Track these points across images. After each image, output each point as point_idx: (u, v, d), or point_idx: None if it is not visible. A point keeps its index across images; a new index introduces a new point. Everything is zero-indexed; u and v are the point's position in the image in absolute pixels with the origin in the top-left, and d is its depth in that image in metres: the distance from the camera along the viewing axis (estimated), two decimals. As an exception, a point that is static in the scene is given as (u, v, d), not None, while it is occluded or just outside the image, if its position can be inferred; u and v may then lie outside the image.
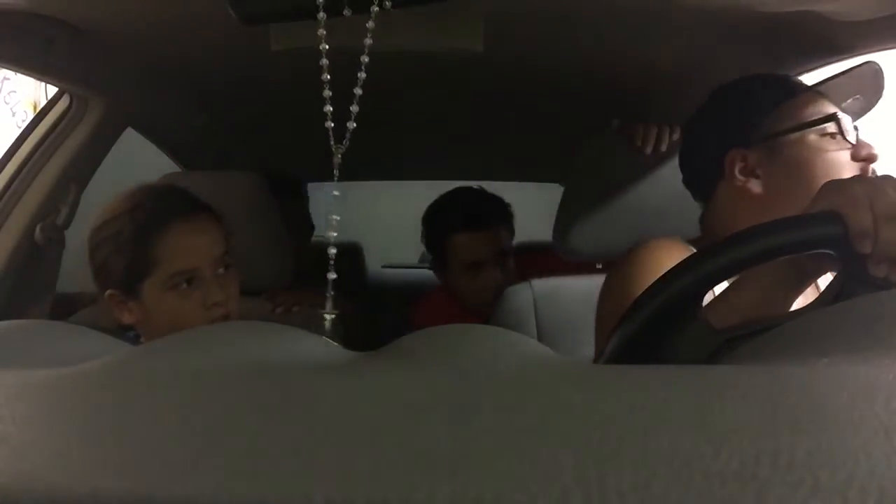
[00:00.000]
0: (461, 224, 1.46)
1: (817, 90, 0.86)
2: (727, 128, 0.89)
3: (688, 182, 0.97)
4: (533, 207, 1.79)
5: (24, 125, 1.27)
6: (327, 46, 0.64)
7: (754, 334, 0.47)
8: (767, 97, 0.86)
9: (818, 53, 1.02)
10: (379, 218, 2.45)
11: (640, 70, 1.18)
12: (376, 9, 0.65)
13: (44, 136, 1.22)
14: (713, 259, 0.58)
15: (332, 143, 0.64)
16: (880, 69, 0.85)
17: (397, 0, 0.67)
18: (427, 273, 1.65)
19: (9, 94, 2.67)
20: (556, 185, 2.03)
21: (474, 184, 1.59)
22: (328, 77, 0.64)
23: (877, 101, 0.92)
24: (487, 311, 1.41)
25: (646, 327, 0.57)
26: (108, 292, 0.92)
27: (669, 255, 0.83)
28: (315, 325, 0.63)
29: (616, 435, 0.21)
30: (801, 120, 0.82)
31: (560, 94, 1.37)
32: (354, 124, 0.64)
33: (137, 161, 1.52)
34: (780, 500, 0.17)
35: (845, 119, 0.80)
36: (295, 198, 1.68)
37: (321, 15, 0.65)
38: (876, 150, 0.80)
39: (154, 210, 0.92)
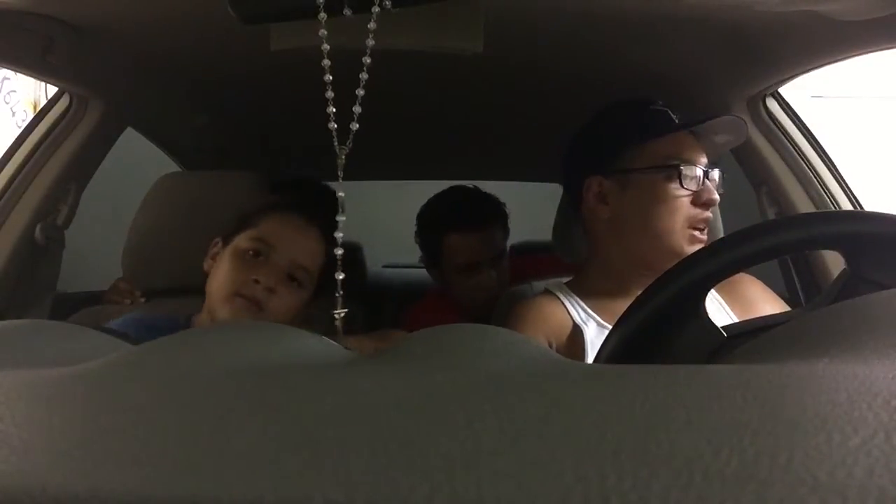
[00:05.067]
0: (456, 225, 1.44)
1: (691, 130, 0.94)
2: (591, 153, 0.98)
3: (566, 194, 1.07)
4: (533, 207, 1.78)
5: (24, 125, 1.27)
6: (328, 46, 0.64)
7: (754, 334, 0.47)
8: (630, 131, 0.94)
9: (818, 53, 1.02)
10: (379, 218, 2.45)
11: (641, 70, 1.17)
12: (377, 9, 0.65)
13: (44, 136, 1.22)
14: (714, 257, 0.58)
15: (335, 144, 0.64)
16: (743, 122, 0.97)
17: (397, 0, 0.67)
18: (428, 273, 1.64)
19: (9, 93, 2.68)
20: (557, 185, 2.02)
21: (469, 183, 1.58)
22: (330, 78, 0.64)
23: (741, 140, 1.04)
24: (482, 312, 1.40)
25: (645, 326, 0.57)
26: (216, 239, 1.03)
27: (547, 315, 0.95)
28: (314, 324, 0.63)
29: (616, 435, 0.21)
30: (652, 161, 0.92)
31: (560, 93, 1.36)
32: (357, 125, 0.64)
33: (137, 161, 1.52)
34: (780, 499, 0.17)
35: (691, 167, 0.90)
36: (326, 208, 1.63)
37: (322, 15, 0.65)
38: (716, 196, 0.91)
39: (290, 198, 1.05)
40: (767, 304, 0.96)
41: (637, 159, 0.92)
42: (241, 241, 0.98)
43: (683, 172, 0.90)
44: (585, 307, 0.96)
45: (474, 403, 0.25)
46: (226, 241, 1.01)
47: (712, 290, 0.94)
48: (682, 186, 0.90)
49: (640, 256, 0.92)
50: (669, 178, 0.90)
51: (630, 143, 0.93)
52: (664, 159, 0.91)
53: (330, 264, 1.00)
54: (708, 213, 0.91)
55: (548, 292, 1.00)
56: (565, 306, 0.96)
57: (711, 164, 0.94)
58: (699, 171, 0.91)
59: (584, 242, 1.08)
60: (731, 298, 0.96)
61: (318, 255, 1.00)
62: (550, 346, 0.93)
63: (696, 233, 0.91)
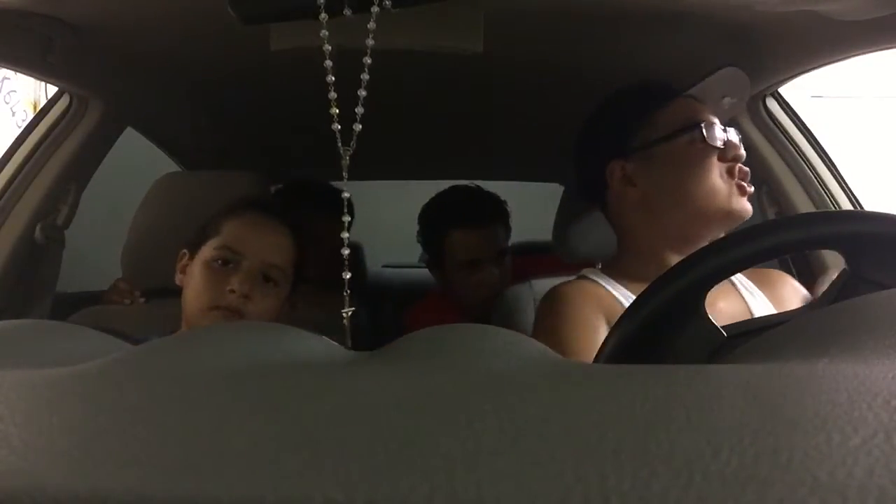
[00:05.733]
0: (458, 222, 1.45)
1: (688, 95, 0.93)
2: (606, 140, 0.96)
3: (580, 192, 1.04)
4: (533, 207, 1.78)
5: (24, 125, 1.27)
6: (328, 46, 0.64)
7: (754, 334, 0.47)
8: (638, 108, 0.92)
9: (818, 53, 1.02)
10: (379, 218, 2.45)
11: (641, 70, 1.17)
12: (377, 9, 0.65)
13: (44, 136, 1.22)
14: (714, 257, 0.58)
15: (339, 145, 0.64)
16: (741, 73, 0.95)
17: (397, 0, 0.67)
18: (428, 273, 1.64)
19: (9, 93, 2.68)
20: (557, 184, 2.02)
21: (471, 182, 1.59)
22: (332, 79, 0.64)
23: (745, 100, 1.02)
24: (483, 310, 1.40)
25: (646, 326, 0.57)
26: (182, 250, 1.00)
27: (586, 302, 0.90)
28: (314, 324, 0.63)
29: (616, 435, 0.21)
30: (670, 129, 0.89)
31: (560, 93, 1.36)
32: (360, 126, 0.64)
33: (137, 161, 1.52)
34: (780, 499, 0.17)
35: (710, 125, 0.88)
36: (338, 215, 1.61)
37: (322, 15, 0.65)
38: (742, 151, 0.88)
39: (253, 198, 1.03)
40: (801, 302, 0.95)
41: (654, 132, 0.90)
42: (208, 251, 0.96)
43: (705, 129, 0.87)
44: (628, 293, 0.92)
45: (474, 403, 0.25)
46: (192, 252, 0.99)
47: (756, 287, 0.94)
48: (707, 143, 0.87)
49: (682, 230, 0.89)
50: (692, 141, 0.88)
51: (641, 117, 0.92)
52: (682, 121, 0.89)
53: (303, 257, 1.01)
54: (744, 167, 0.88)
55: (585, 278, 0.97)
56: (609, 291, 0.92)
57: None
58: (718, 125, 0.89)
59: (588, 241, 1.07)
60: (775, 299, 0.93)
61: (288, 250, 0.99)
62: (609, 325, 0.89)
63: (742, 183, 0.88)
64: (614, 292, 0.92)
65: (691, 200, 0.88)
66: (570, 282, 0.97)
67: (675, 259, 0.88)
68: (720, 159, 0.88)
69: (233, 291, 0.92)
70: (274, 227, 0.99)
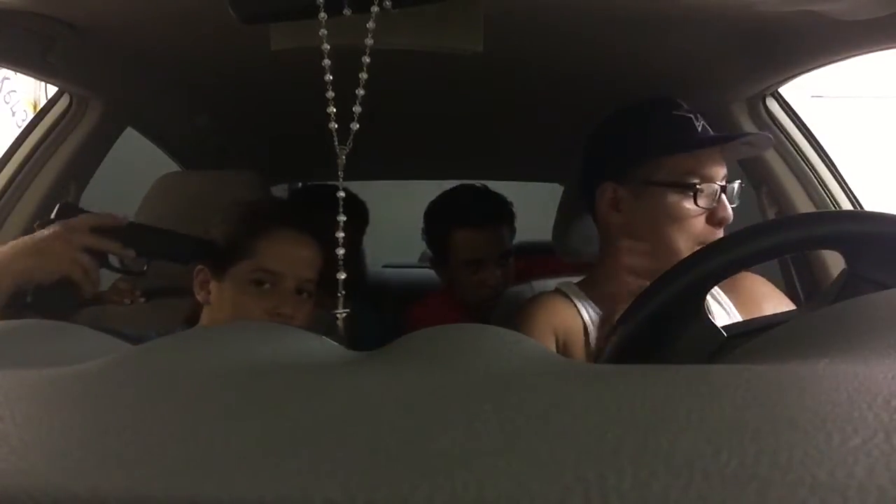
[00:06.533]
0: (463, 221, 1.46)
1: (715, 147, 0.91)
2: (610, 159, 0.96)
3: (565, 193, 1.05)
4: (533, 207, 1.78)
5: (24, 125, 1.27)
6: (328, 46, 0.64)
7: (754, 334, 0.47)
8: (656, 145, 0.90)
9: (818, 53, 1.02)
10: (379, 218, 2.45)
11: (640, 70, 1.17)
12: (376, 9, 0.65)
13: (44, 136, 1.22)
14: (714, 257, 0.58)
15: (335, 144, 0.64)
16: (771, 138, 0.97)
17: (397, 0, 0.67)
18: (428, 273, 1.64)
19: (9, 93, 2.68)
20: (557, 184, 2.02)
21: (477, 182, 1.59)
22: (330, 78, 0.64)
23: (764, 151, 1.10)
24: (485, 310, 1.41)
25: (646, 326, 0.57)
26: (199, 266, 0.98)
27: (556, 316, 0.94)
28: (318, 324, 0.63)
29: (616, 435, 0.21)
30: (673, 176, 0.89)
31: (560, 93, 1.36)
32: (357, 125, 0.64)
33: (137, 161, 1.52)
34: (780, 499, 0.17)
35: (708, 186, 0.89)
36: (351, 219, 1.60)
37: (322, 15, 0.65)
38: (730, 214, 0.90)
39: (275, 210, 1.01)
40: (772, 302, 0.96)
41: (655, 172, 0.90)
42: (242, 273, 0.95)
43: (699, 190, 0.88)
44: (596, 309, 0.95)
45: (474, 403, 0.25)
46: (216, 270, 0.97)
47: (718, 291, 0.95)
48: (697, 205, 0.88)
49: (653, 265, 0.89)
50: (684, 196, 0.88)
51: (652, 155, 0.91)
52: (682, 175, 0.89)
53: (329, 262, 1.00)
54: (719, 233, 0.90)
55: (559, 292, 0.99)
56: (576, 306, 0.95)
57: (729, 179, 0.92)
58: (716, 188, 0.89)
59: (588, 241, 1.08)
60: (735, 297, 0.95)
61: (318, 261, 0.99)
62: (558, 342, 0.92)
63: None
64: (582, 311, 0.94)
65: (665, 246, 0.89)
66: (540, 297, 0.99)
67: (644, 286, 0.89)
68: (707, 220, 0.89)
69: (280, 315, 0.92)
70: (304, 241, 0.98)
